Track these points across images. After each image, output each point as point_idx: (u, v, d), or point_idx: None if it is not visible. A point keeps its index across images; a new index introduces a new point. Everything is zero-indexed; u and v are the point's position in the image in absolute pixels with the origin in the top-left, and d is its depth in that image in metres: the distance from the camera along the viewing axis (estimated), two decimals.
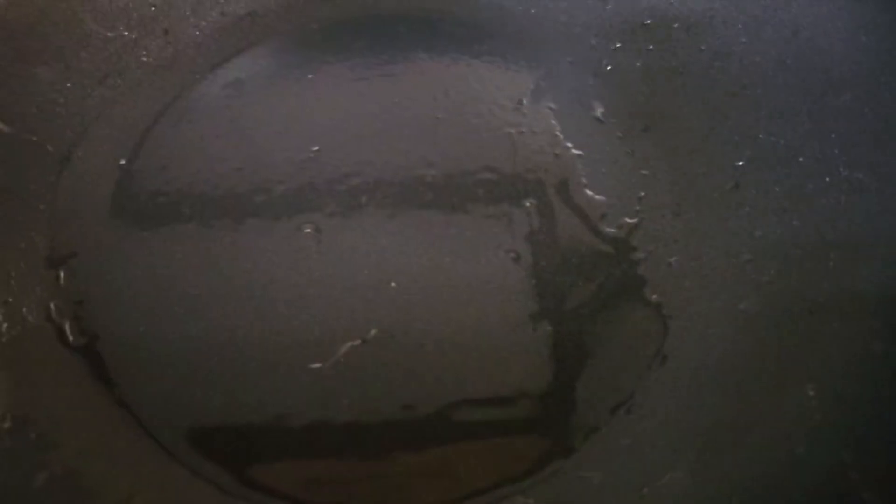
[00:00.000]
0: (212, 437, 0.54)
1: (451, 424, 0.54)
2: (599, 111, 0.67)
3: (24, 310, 0.57)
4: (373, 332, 0.57)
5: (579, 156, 0.65)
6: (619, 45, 0.69)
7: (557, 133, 0.66)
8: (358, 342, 0.57)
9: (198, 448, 0.53)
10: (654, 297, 0.59)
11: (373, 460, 0.53)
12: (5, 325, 0.56)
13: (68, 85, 0.63)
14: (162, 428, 0.54)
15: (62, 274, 0.59)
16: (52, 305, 0.57)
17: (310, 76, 0.68)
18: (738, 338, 0.56)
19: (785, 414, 0.51)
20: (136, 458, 0.52)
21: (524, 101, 0.67)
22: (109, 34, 0.66)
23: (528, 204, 0.62)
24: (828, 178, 0.58)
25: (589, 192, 0.63)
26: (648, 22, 0.69)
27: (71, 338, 0.56)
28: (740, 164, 0.62)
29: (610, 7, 0.70)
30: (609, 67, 0.69)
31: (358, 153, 0.64)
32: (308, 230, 0.61)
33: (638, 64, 0.68)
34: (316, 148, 0.64)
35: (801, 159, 0.60)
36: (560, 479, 0.53)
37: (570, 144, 0.65)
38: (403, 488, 0.53)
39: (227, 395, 0.55)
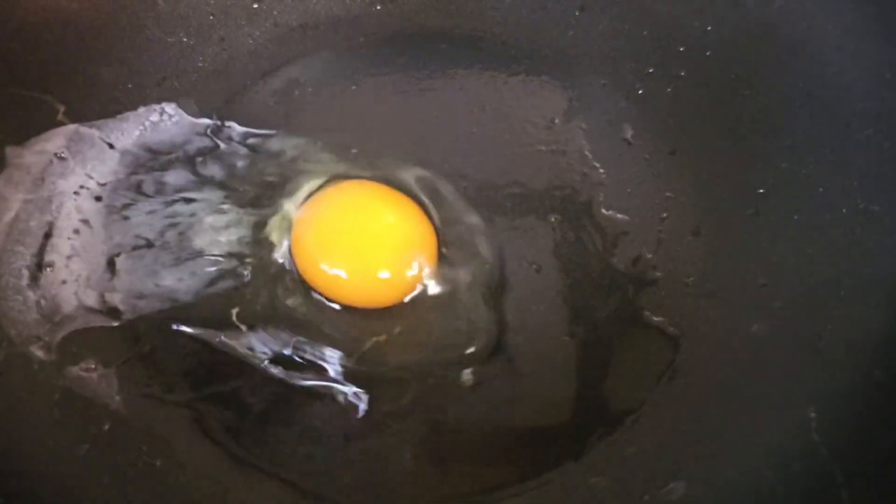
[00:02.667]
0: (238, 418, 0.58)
1: (464, 423, 0.57)
2: (629, 133, 0.69)
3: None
4: (397, 329, 0.60)
5: (606, 175, 0.67)
6: (651, 70, 0.71)
7: (587, 153, 0.68)
8: (384, 338, 0.60)
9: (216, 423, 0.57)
10: (669, 315, 0.61)
11: (389, 454, 0.56)
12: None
13: (129, 86, 0.68)
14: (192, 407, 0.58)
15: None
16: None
17: (354, 87, 0.72)
18: (746, 359, 0.57)
19: (785, 432, 0.52)
20: (159, 433, 0.56)
21: (556, 120, 0.70)
22: (169, 39, 0.70)
23: (553, 219, 0.65)
24: (844, 210, 0.59)
25: (613, 211, 0.65)
26: (682, 49, 0.71)
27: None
28: (762, 191, 0.64)
29: (646, 33, 0.72)
30: (641, 91, 0.71)
31: (393, 161, 0.67)
32: None
33: (669, 89, 0.70)
34: (354, 151, 0.68)
35: (820, 189, 0.61)
36: (566, 483, 0.55)
37: (597, 164, 0.68)
38: (413, 483, 0.56)
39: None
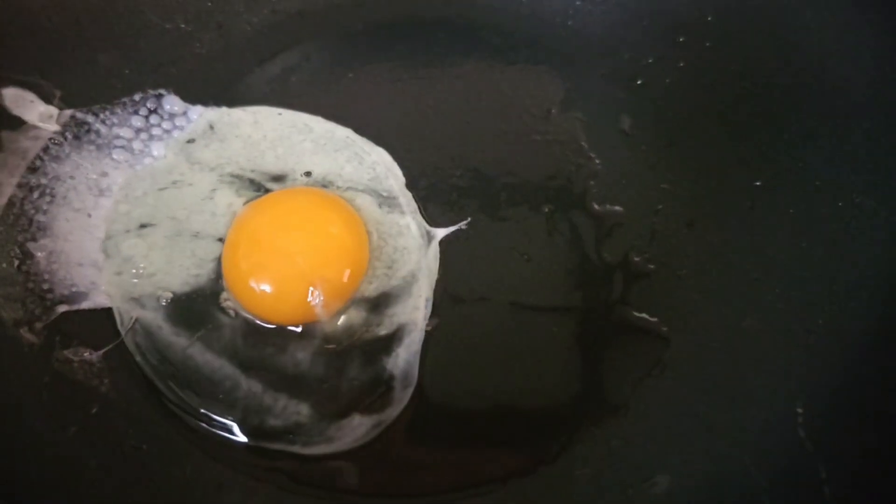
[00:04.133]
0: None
1: (447, 415, 0.57)
2: (626, 124, 0.69)
3: None
4: None
5: (602, 166, 0.67)
6: (651, 60, 0.71)
7: (583, 143, 0.68)
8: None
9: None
10: (660, 308, 0.60)
11: (375, 444, 0.56)
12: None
13: (126, 71, 0.68)
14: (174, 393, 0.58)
15: None
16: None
17: (350, 75, 0.72)
18: (736, 353, 0.57)
19: (772, 429, 0.52)
20: (146, 418, 0.56)
21: (553, 111, 0.70)
22: (167, 25, 0.70)
23: (546, 210, 0.65)
24: (840, 204, 0.59)
25: (607, 202, 0.65)
26: (682, 39, 0.70)
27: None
28: (758, 184, 0.63)
29: (645, 23, 0.72)
30: (640, 82, 0.70)
31: (388, 151, 0.67)
32: None
33: (668, 80, 0.70)
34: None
35: (817, 183, 0.61)
36: (550, 475, 0.55)
37: (594, 155, 0.67)
38: (399, 477, 0.56)
39: None
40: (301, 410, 0.57)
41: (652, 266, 0.62)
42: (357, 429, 0.56)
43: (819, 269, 0.58)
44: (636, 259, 0.62)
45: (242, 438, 0.56)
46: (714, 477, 0.52)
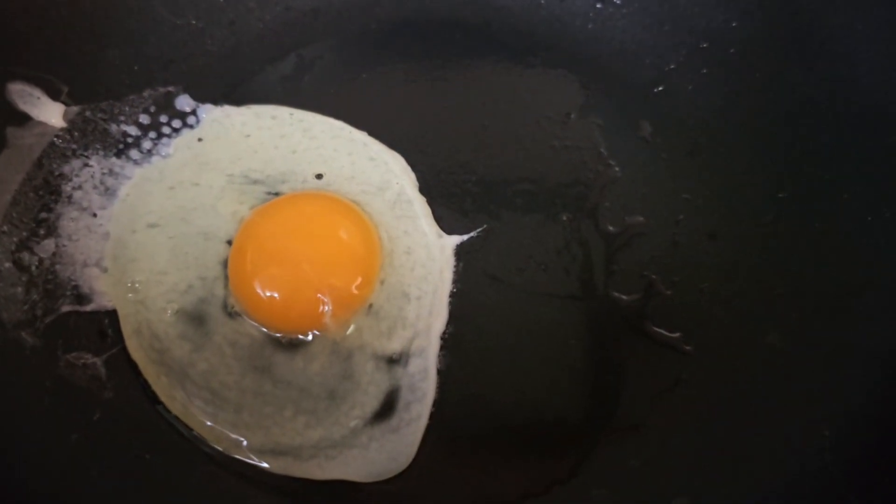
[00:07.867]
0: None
1: (465, 432, 0.56)
2: (647, 131, 0.67)
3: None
4: None
5: (621, 174, 0.65)
6: (672, 66, 0.69)
7: (602, 150, 0.66)
8: None
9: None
10: (681, 322, 0.59)
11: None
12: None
13: (135, 68, 0.66)
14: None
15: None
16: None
17: (364, 75, 0.70)
18: (759, 371, 0.55)
19: (797, 451, 0.50)
20: (151, 425, 0.55)
21: (572, 116, 0.68)
22: (178, 22, 0.69)
23: (564, 218, 0.63)
24: (869, 218, 0.57)
25: (627, 212, 0.63)
26: (705, 45, 0.68)
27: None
28: (782, 196, 0.62)
29: (668, 28, 0.70)
30: (661, 88, 0.69)
31: (402, 154, 0.66)
32: None
33: (690, 87, 0.68)
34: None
35: (844, 196, 0.59)
36: (567, 494, 0.53)
37: (613, 162, 0.66)
38: (415, 495, 0.54)
39: None
40: (309, 422, 0.55)
41: (673, 279, 0.60)
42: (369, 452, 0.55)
43: (846, 286, 0.56)
44: (656, 271, 0.61)
45: (247, 455, 0.55)
46: (735, 501, 0.50)
